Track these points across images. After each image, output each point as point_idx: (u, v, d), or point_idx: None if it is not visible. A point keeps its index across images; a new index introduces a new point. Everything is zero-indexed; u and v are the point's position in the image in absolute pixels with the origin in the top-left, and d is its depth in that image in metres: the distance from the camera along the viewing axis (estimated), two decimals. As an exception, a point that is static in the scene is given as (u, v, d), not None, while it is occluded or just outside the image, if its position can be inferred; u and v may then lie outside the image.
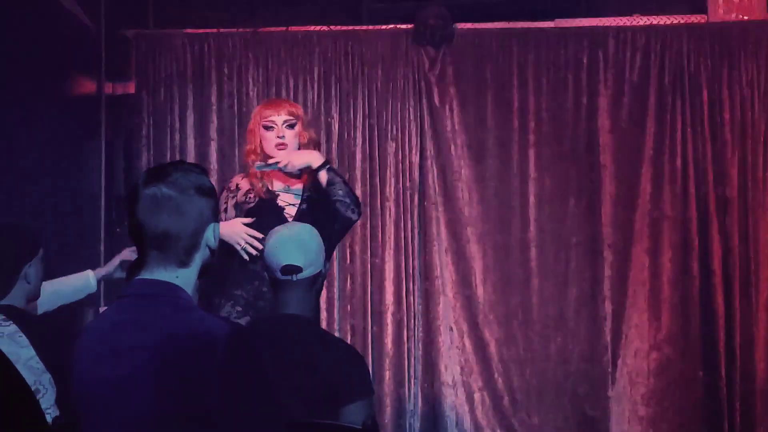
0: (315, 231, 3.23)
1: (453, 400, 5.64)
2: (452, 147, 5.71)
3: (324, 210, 4.21)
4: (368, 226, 5.67)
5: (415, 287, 5.70)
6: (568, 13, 5.71)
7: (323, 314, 5.55)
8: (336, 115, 5.71)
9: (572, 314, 5.64)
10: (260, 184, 4.29)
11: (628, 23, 5.69)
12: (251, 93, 5.69)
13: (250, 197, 4.33)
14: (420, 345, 5.67)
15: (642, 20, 5.69)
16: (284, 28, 5.71)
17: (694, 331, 5.53)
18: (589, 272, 5.64)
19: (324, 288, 5.27)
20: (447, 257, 5.70)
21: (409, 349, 5.64)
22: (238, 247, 4.12)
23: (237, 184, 4.35)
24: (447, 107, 5.72)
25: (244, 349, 2.18)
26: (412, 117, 5.72)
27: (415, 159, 5.72)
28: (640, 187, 5.59)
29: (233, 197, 4.33)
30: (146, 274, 2.26)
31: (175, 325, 2.19)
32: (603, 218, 5.63)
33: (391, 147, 5.71)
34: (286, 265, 3.10)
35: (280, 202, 4.31)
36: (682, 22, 5.66)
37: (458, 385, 5.65)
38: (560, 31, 5.70)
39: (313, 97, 5.70)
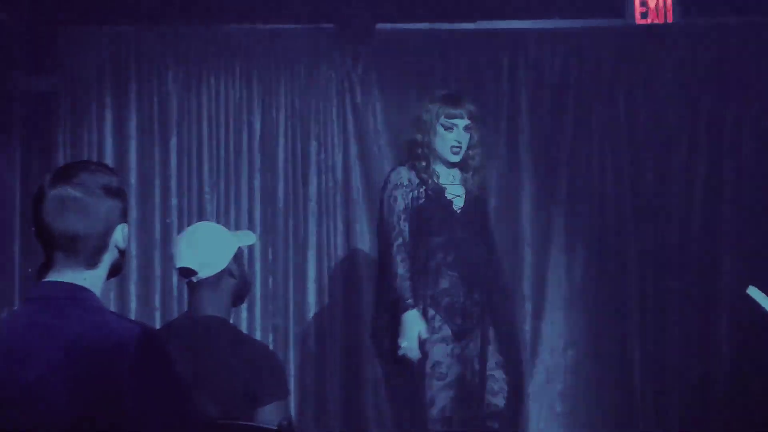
0: (213, 230, 3.22)
1: (375, 400, 5.64)
2: (375, 147, 5.73)
3: (481, 208, 4.44)
4: (290, 225, 5.66)
5: (338, 287, 5.69)
6: (489, 15, 5.75)
7: (244, 314, 5.53)
8: (258, 114, 5.68)
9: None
10: (430, 179, 4.33)
11: (548, 26, 5.75)
12: (171, 91, 5.63)
13: (420, 192, 4.37)
14: (342, 345, 5.66)
15: (562, 23, 5.75)
16: (205, 26, 5.66)
17: (609, 329, 5.61)
18: (509, 271, 5.68)
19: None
20: (370, 256, 5.71)
21: (331, 349, 5.64)
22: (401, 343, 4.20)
23: (408, 179, 4.36)
24: (370, 107, 5.73)
25: (155, 351, 2.17)
26: (334, 116, 5.72)
27: (338, 159, 5.72)
28: (559, 187, 5.66)
29: (409, 191, 4.35)
30: (53, 276, 2.23)
31: (84, 327, 2.17)
32: (523, 218, 5.69)
33: (314, 146, 5.70)
34: (179, 267, 3.12)
35: (448, 195, 4.39)
36: (601, 25, 5.73)
37: (381, 385, 5.66)
38: (482, 33, 5.74)
39: (235, 96, 5.67)
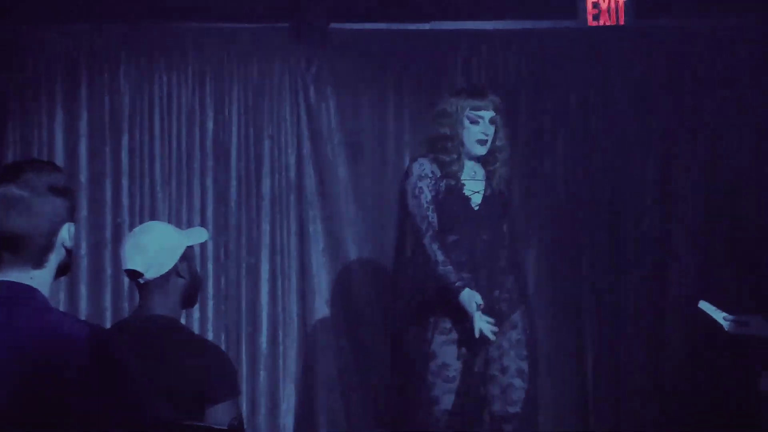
0: (160, 231, 3.20)
1: (328, 399, 5.65)
2: (329, 146, 5.72)
3: (501, 204, 4.37)
4: (243, 225, 5.64)
5: (291, 287, 5.69)
6: (444, 16, 5.77)
7: (196, 314, 5.51)
8: (211, 113, 5.65)
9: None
10: (455, 173, 4.28)
11: (502, 27, 5.78)
12: (123, 89, 5.58)
13: (441, 186, 4.31)
14: (295, 345, 5.67)
15: (516, 24, 5.78)
16: (158, 24, 5.63)
17: (563, 328, 5.65)
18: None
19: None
20: (324, 257, 5.71)
21: (284, 349, 5.64)
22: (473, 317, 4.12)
23: (431, 171, 4.31)
24: (324, 106, 5.73)
25: (104, 350, 2.16)
26: (288, 116, 5.71)
27: (292, 158, 5.71)
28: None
29: (433, 183, 4.29)
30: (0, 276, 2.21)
31: (32, 326, 2.15)
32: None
33: (267, 146, 5.69)
34: (126, 269, 3.11)
35: (466, 192, 4.35)
36: (553, 27, 5.77)
37: (333, 384, 5.67)
38: (436, 34, 5.76)
39: (187, 95, 5.64)
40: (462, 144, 4.34)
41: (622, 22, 5.66)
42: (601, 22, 5.68)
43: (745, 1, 5.54)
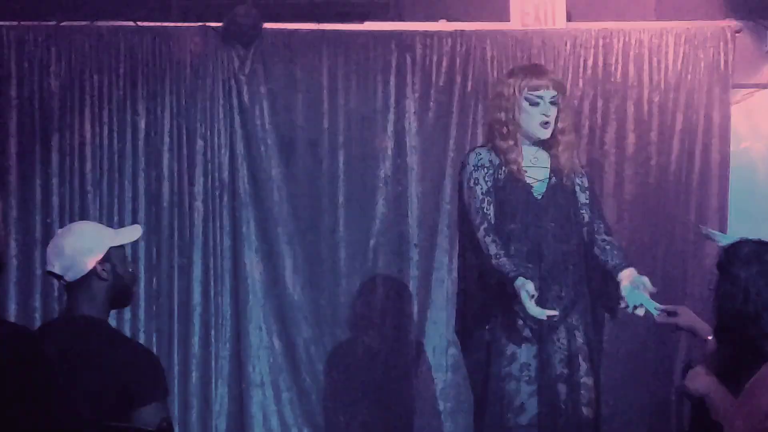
0: (82, 232, 3.17)
1: (261, 399, 5.64)
2: (262, 147, 5.71)
3: (572, 196, 4.04)
4: (175, 225, 5.60)
5: (224, 287, 5.67)
6: (377, 17, 5.78)
7: (127, 315, 5.46)
8: (142, 113, 5.61)
9: (379, 314, 5.72)
10: (514, 160, 3.99)
11: (435, 28, 5.81)
12: (53, 88, 5.52)
13: (500, 173, 4.03)
14: (228, 345, 5.64)
15: (448, 26, 5.81)
16: (89, 22, 5.57)
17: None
18: (396, 272, 5.74)
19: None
20: (257, 257, 5.69)
21: (216, 350, 5.61)
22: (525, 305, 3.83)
23: (489, 160, 4.03)
24: (257, 107, 5.71)
25: (25, 350, 2.15)
26: (221, 116, 5.68)
27: (225, 158, 5.69)
28: (443, 187, 5.72)
29: (491, 172, 4.01)
30: None
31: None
32: (410, 219, 5.73)
33: (200, 146, 5.65)
34: (47, 272, 3.10)
35: (528, 179, 4.05)
36: (487, 28, 5.81)
37: (266, 385, 5.66)
38: (370, 34, 5.78)
39: (119, 94, 5.59)
40: (520, 128, 4.03)
41: (554, 25, 5.71)
42: (534, 24, 5.73)
43: (673, 6, 5.64)
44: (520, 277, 3.84)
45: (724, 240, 3.61)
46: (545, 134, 4.05)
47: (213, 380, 5.58)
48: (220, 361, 5.61)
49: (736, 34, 5.76)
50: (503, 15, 5.75)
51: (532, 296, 3.82)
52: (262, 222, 5.69)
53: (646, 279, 3.94)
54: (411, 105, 5.75)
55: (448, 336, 5.62)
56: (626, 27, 5.78)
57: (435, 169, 5.74)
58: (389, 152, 5.74)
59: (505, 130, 4.02)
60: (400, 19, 5.80)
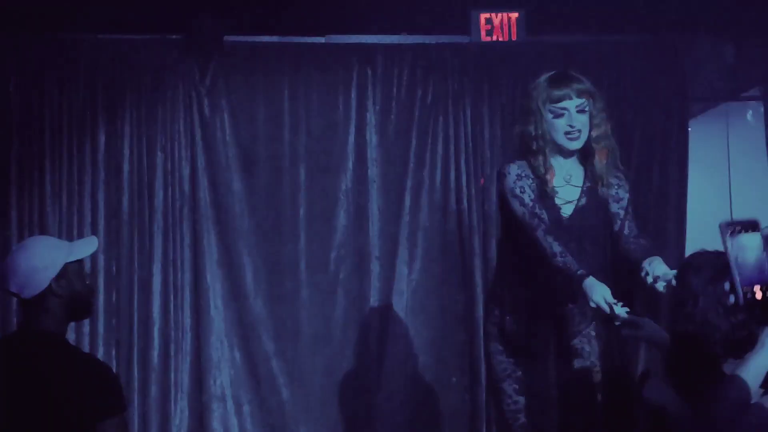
0: (36, 250, 3.13)
1: (222, 413, 5.62)
2: (223, 159, 5.70)
3: (603, 213, 3.88)
4: (135, 238, 5.58)
5: (184, 301, 5.64)
6: (338, 30, 5.79)
7: (86, 328, 5.42)
8: (102, 126, 5.58)
9: (341, 326, 5.72)
10: (544, 176, 3.82)
11: (396, 41, 5.83)
12: (13, 100, 5.46)
13: (535, 188, 3.86)
14: (188, 359, 5.62)
15: (410, 39, 5.84)
16: (49, 35, 5.53)
17: (453, 338, 5.71)
18: (357, 284, 5.74)
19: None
20: (218, 270, 5.67)
21: (176, 363, 5.58)
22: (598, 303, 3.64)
23: (528, 173, 3.85)
24: (218, 119, 5.70)
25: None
26: (182, 128, 5.67)
27: (186, 170, 5.67)
28: (404, 199, 5.73)
29: (531, 184, 3.84)
30: None
31: None
32: (370, 231, 5.74)
33: (160, 158, 5.63)
34: (2, 289, 3.07)
35: (557, 200, 3.87)
36: (447, 41, 5.83)
37: (227, 398, 5.64)
38: (331, 47, 5.79)
39: (78, 107, 5.55)
40: (548, 142, 3.83)
41: (514, 38, 5.75)
42: (494, 38, 5.76)
43: (630, 19, 5.69)
44: (591, 277, 3.71)
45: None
46: (574, 145, 3.87)
47: (173, 394, 5.55)
48: (180, 375, 5.58)
49: (694, 47, 5.82)
50: (464, 28, 5.78)
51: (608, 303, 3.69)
52: (223, 235, 5.67)
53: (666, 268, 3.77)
54: (372, 118, 5.77)
55: (408, 347, 5.64)
56: (584, 40, 5.83)
57: (396, 181, 5.75)
58: (350, 165, 5.74)
59: (534, 145, 3.86)
60: (361, 32, 5.82)
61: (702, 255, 3.01)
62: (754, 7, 5.52)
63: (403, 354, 5.66)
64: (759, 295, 2.33)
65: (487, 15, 5.74)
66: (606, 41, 5.84)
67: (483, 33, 5.75)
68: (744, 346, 2.72)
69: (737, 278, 2.35)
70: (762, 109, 6.01)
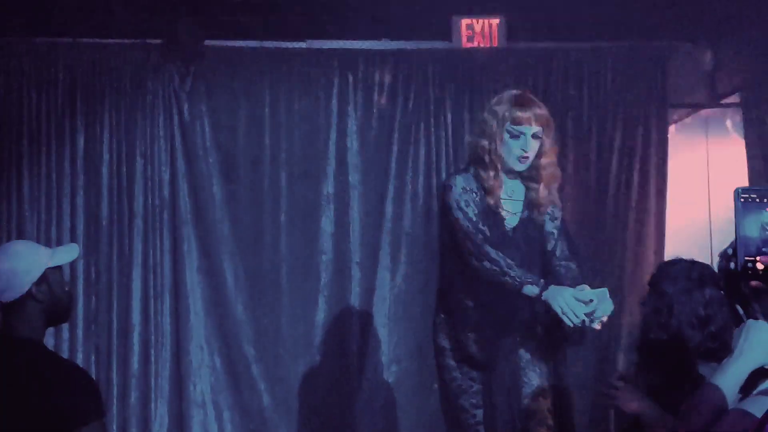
0: (15, 254, 3.11)
1: (202, 418, 5.60)
2: (203, 164, 5.68)
3: (539, 226, 3.96)
4: (114, 243, 5.56)
5: (164, 306, 5.62)
6: (319, 35, 5.79)
7: (66, 334, 5.39)
8: (81, 130, 5.55)
9: (321, 332, 5.71)
10: (491, 190, 3.88)
11: (378, 47, 5.83)
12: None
13: (478, 201, 3.91)
14: (168, 364, 5.60)
15: (392, 45, 5.84)
16: (27, 39, 5.51)
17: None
18: (338, 290, 5.73)
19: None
20: (199, 275, 5.66)
21: (156, 369, 5.56)
22: (561, 315, 3.68)
23: (474, 186, 3.91)
24: (198, 124, 5.69)
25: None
26: (162, 133, 5.65)
27: (166, 176, 5.65)
28: (385, 206, 5.73)
29: (477, 198, 3.89)
30: None
31: None
32: (351, 236, 5.73)
33: (140, 163, 5.61)
34: None
35: (503, 212, 3.95)
36: (429, 47, 5.84)
37: (207, 404, 5.62)
38: (312, 52, 5.78)
39: (57, 111, 5.53)
40: (500, 158, 3.91)
41: (495, 44, 5.76)
42: (475, 44, 5.77)
43: (611, 26, 5.72)
44: (552, 286, 3.75)
45: None
46: (521, 167, 3.94)
47: (153, 400, 5.53)
48: (160, 380, 5.56)
49: (674, 55, 5.85)
50: (445, 34, 5.78)
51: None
52: (203, 240, 5.65)
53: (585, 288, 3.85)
54: (353, 123, 5.76)
55: (389, 353, 5.63)
56: (565, 46, 5.85)
57: (377, 187, 5.75)
58: (331, 170, 5.74)
59: (487, 158, 3.91)
60: (343, 37, 5.81)
61: (677, 263, 3.02)
62: (733, 15, 5.55)
63: (384, 359, 5.66)
64: (760, 266, 2.31)
65: (469, 21, 5.75)
66: (586, 48, 5.86)
67: (464, 39, 5.76)
68: (717, 354, 2.73)
69: (741, 246, 2.33)
70: (741, 116, 6.03)
